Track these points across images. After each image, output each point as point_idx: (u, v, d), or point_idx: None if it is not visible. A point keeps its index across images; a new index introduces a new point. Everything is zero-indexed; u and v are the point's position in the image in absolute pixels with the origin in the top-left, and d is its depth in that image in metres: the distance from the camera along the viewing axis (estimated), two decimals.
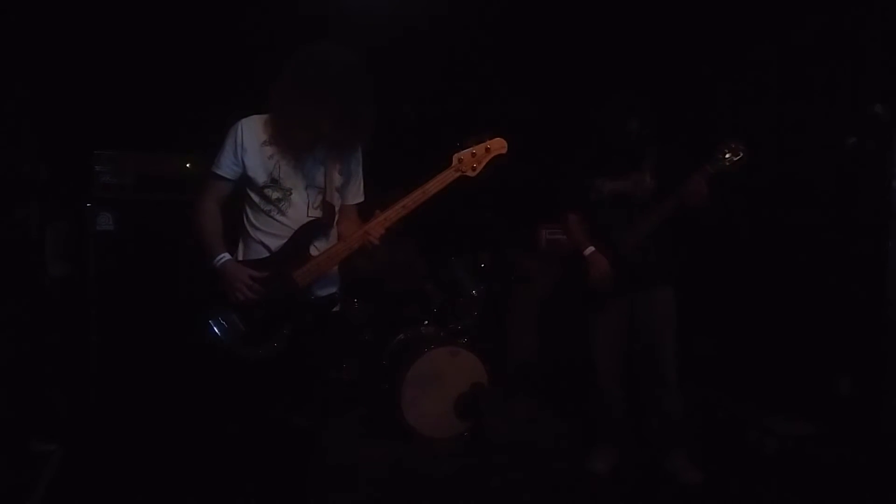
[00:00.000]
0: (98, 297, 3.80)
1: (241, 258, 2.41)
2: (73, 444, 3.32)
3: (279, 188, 2.36)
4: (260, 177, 2.34)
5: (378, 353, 4.07)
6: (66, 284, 3.85)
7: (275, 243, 2.38)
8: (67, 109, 4.08)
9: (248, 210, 2.42)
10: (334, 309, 2.56)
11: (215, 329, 2.33)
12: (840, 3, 3.64)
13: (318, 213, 2.41)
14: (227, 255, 2.35)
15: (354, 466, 3.36)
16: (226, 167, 2.36)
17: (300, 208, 2.39)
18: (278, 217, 2.37)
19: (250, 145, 2.34)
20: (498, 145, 2.38)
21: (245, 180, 2.37)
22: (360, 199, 2.59)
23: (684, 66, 4.44)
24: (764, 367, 4.00)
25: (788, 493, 3.09)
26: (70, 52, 4.05)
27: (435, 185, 2.36)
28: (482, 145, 2.36)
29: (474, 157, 2.35)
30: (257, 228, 2.39)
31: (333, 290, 2.53)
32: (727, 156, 2.89)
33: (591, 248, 3.14)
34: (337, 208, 2.49)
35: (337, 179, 2.45)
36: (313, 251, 2.40)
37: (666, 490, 3.13)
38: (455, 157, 2.35)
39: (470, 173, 2.36)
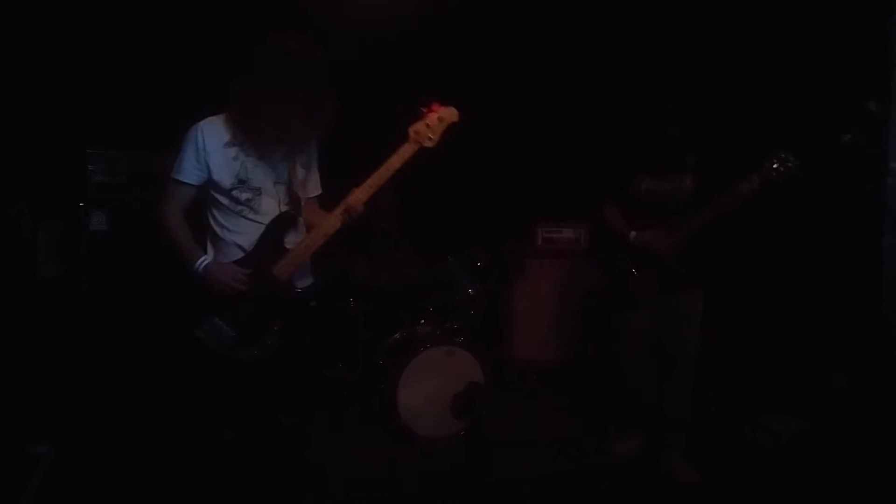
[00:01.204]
0: (91, 296, 3.78)
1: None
2: (65, 446, 3.30)
3: (248, 188, 2.34)
4: (227, 179, 2.31)
5: (374, 352, 4.06)
6: (59, 284, 3.83)
7: (249, 242, 2.36)
8: (60, 108, 4.05)
9: (216, 213, 2.37)
10: (311, 303, 2.54)
11: (204, 337, 2.31)
12: (835, 2, 3.64)
13: (287, 208, 2.41)
14: (207, 257, 2.33)
15: (349, 465, 3.34)
16: (189, 172, 2.32)
17: (271, 206, 2.38)
18: (251, 216, 2.36)
19: (213, 148, 2.30)
20: (450, 114, 2.43)
21: (211, 184, 2.33)
22: (319, 191, 2.60)
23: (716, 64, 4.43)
24: (759, 363, 4.01)
25: (783, 491, 3.09)
26: (63, 50, 4.02)
27: (397, 160, 2.40)
28: (434, 115, 2.40)
29: (429, 128, 2.39)
30: (229, 230, 2.36)
31: (311, 280, 2.53)
32: (776, 166, 2.84)
33: (634, 233, 3.18)
34: (302, 201, 2.49)
35: (300, 173, 2.45)
36: (287, 245, 2.40)
37: (661, 488, 3.12)
38: (411, 131, 2.39)
39: (428, 144, 2.41)
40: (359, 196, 2.39)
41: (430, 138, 2.40)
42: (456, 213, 5.07)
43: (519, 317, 4.94)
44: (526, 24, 4.71)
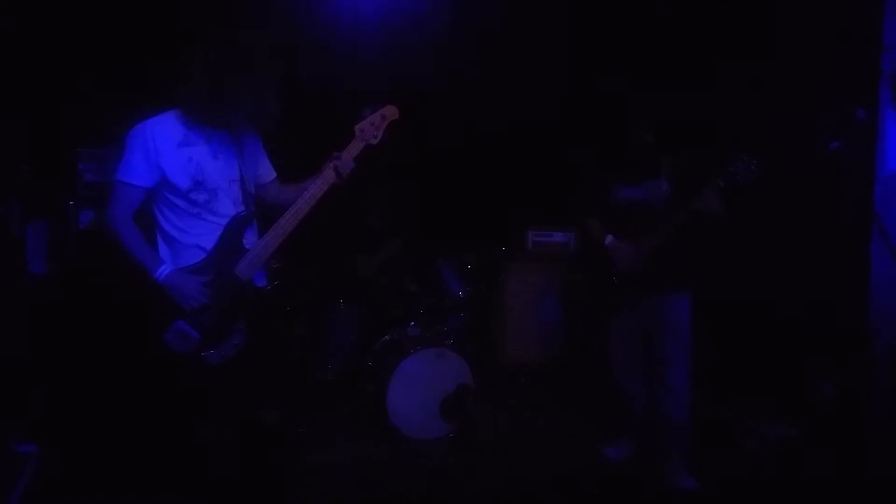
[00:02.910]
0: (80, 295, 3.75)
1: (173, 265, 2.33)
2: (53, 445, 3.28)
3: (205, 189, 2.30)
4: (183, 181, 2.26)
5: (364, 354, 4.06)
6: (48, 282, 3.81)
7: (208, 243, 2.33)
8: (51, 106, 4.03)
9: (170, 215, 2.32)
10: (270, 299, 2.55)
11: (172, 340, 2.29)
12: (822, 9, 3.68)
13: (241, 206, 2.40)
14: (168, 266, 2.28)
15: (339, 467, 3.34)
16: (139, 175, 2.25)
17: (227, 205, 2.36)
18: (210, 218, 2.33)
19: (165, 148, 2.26)
20: (391, 112, 2.53)
21: (165, 185, 2.28)
22: (273, 173, 2.60)
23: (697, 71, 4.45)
24: (747, 368, 4.03)
25: (771, 494, 3.11)
26: (51, 48, 4.00)
27: (349, 153, 2.45)
28: (377, 113, 2.49)
29: (373, 126, 2.48)
30: (187, 232, 2.32)
31: (265, 279, 2.53)
32: (740, 169, 2.87)
33: (610, 237, 3.17)
34: (254, 195, 2.48)
35: (250, 167, 2.44)
36: (246, 243, 2.39)
37: (649, 490, 3.13)
38: (357, 129, 2.46)
39: (373, 141, 2.48)
40: (346, 156, 2.43)
41: (375, 136, 2.49)
42: (446, 217, 5.08)
43: (508, 319, 4.95)
44: (518, 27, 4.74)
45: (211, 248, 2.33)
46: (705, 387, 4.14)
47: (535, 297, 4.95)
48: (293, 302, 4.32)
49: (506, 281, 4.99)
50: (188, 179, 2.27)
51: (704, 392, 4.10)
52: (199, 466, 2.49)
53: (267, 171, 2.58)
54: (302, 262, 4.15)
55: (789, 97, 3.88)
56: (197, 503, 2.70)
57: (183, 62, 2.26)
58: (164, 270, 2.26)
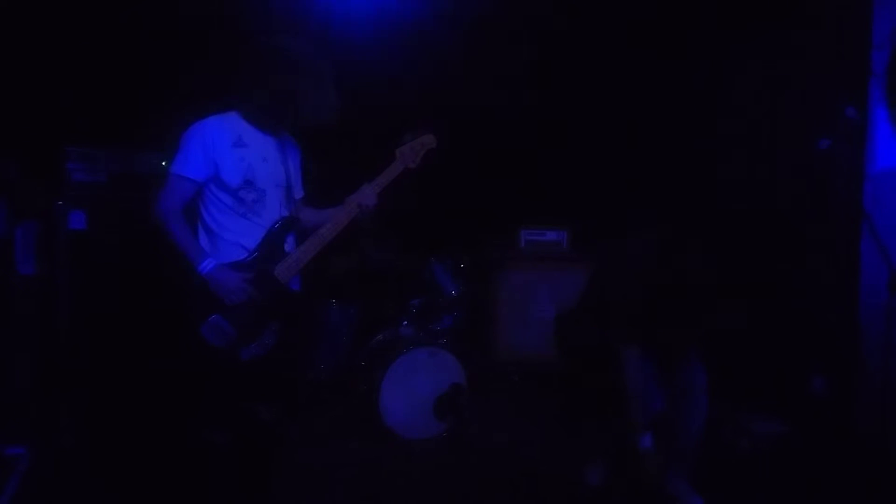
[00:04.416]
0: (69, 296, 3.72)
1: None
2: (43, 447, 3.25)
3: (254, 189, 2.38)
4: (235, 179, 2.34)
5: (356, 354, 4.05)
6: (37, 283, 3.77)
7: (251, 243, 2.40)
8: (40, 105, 4.00)
9: (215, 212, 2.39)
10: (304, 304, 2.66)
11: (209, 334, 2.33)
12: (812, 7, 3.69)
13: (286, 210, 2.48)
14: (212, 260, 2.33)
15: (332, 467, 3.33)
16: (195, 169, 2.33)
17: (274, 208, 2.44)
18: (254, 218, 2.40)
19: (222, 146, 2.34)
20: (429, 140, 2.68)
21: (217, 182, 2.36)
22: (302, 192, 2.66)
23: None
24: (739, 366, 4.04)
25: (761, 492, 3.12)
26: (40, 45, 3.97)
27: (385, 178, 2.59)
28: (418, 140, 2.63)
29: (413, 152, 2.61)
30: (231, 230, 2.39)
31: (299, 284, 2.60)
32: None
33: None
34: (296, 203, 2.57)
35: (292, 175, 2.52)
36: (286, 247, 2.47)
37: (643, 489, 3.13)
38: (398, 152, 2.60)
39: (412, 165, 2.63)
40: (370, 191, 2.54)
41: (413, 160, 2.63)
42: (439, 215, 5.08)
43: (501, 318, 4.95)
44: (514, 24, 4.74)
45: (253, 248, 2.40)
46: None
47: (528, 295, 4.95)
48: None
49: (499, 280, 4.98)
50: (240, 177, 2.35)
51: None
52: (198, 465, 2.50)
53: (297, 189, 2.62)
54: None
55: (779, 96, 3.89)
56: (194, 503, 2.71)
57: (238, 68, 2.37)
58: (208, 264, 2.31)
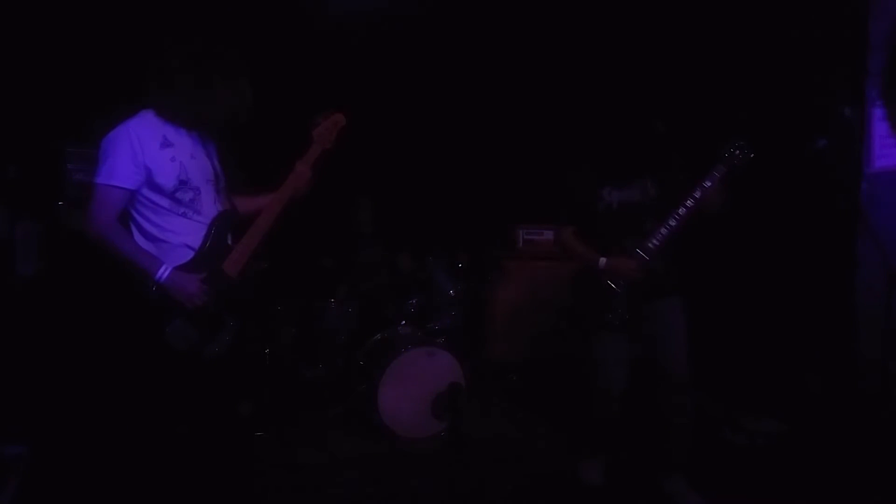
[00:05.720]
0: (70, 295, 3.73)
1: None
2: (43, 447, 3.26)
3: (189, 188, 2.33)
4: (169, 181, 2.28)
5: (355, 353, 4.06)
6: (37, 283, 3.78)
7: (195, 242, 2.36)
8: (40, 105, 4.01)
9: (154, 217, 2.32)
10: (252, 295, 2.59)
11: (172, 337, 2.30)
12: (811, 7, 3.70)
13: (221, 205, 2.45)
14: (167, 266, 2.28)
15: (331, 467, 3.34)
16: (126, 177, 2.24)
17: (209, 203, 2.41)
18: (195, 217, 2.36)
19: (150, 149, 2.27)
20: (339, 119, 2.63)
21: (150, 186, 2.28)
22: (225, 183, 2.62)
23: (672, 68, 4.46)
24: (736, 365, 4.05)
25: (758, 490, 3.13)
26: (40, 46, 3.98)
27: (307, 160, 2.57)
28: (330, 119, 2.60)
29: (327, 131, 2.59)
30: (175, 232, 2.33)
31: (251, 276, 2.56)
32: (735, 152, 2.75)
33: (604, 259, 2.90)
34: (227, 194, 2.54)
35: (217, 167, 2.49)
36: (229, 240, 2.44)
37: (644, 486, 3.14)
38: (314, 134, 2.58)
39: (328, 146, 2.59)
40: (303, 169, 2.53)
41: (329, 140, 2.60)
42: (437, 215, 5.09)
43: (499, 318, 4.95)
44: (507, 26, 4.74)
45: (199, 247, 2.36)
46: (693, 384, 4.17)
47: (526, 295, 4.96)
48: (283, 302, 4.31)
49: (497, 279, 4.99)
50: (174, 178, 2.29)
51: (694, 389, 4.13)
52: (182, 464, 2.50)
53: (224, 179, 2.60)
54: (289, 262, 4.15)
55: (777, 96, 3.90)
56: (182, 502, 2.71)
57: (157, 65, 2.32)
58: (165, 270, 2.26)
